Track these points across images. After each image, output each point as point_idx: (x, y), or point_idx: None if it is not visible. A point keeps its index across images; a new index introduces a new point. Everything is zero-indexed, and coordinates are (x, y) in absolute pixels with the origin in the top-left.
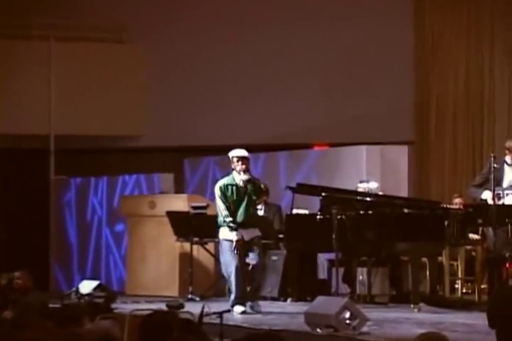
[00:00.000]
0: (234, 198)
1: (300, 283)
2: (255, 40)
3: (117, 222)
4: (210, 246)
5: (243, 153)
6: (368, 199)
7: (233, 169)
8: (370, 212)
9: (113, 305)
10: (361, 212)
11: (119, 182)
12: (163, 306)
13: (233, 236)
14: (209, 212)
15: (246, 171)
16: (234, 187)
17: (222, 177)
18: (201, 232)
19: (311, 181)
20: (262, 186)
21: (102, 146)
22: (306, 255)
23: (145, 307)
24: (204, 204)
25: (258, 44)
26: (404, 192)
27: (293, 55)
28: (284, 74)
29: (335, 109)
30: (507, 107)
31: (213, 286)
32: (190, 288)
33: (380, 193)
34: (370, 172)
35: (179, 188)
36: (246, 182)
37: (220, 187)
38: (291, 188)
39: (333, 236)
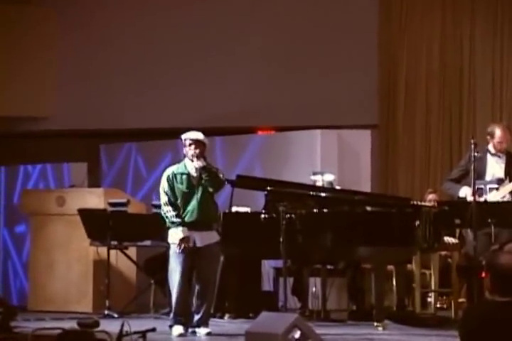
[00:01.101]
0: (184, 189)
1: (240, 296)
2: (187, 8)
3: (18, 221)
4: (132, 251)
5: (198, 135)
6: (323, 194)
7: (185, 155)
8: (325, 210)
9: (12, 324)
10: (315, 211)
11: (20, 173)
12: (74, 324)
13: (178, 233)
14: (130, 209)
15: (200, 157)
16: (185, 177)
17: (171, 165)
18: (121, 234)
19: (253, 172)
20: (221, 175)
21: None
22: (248, 262)
23: (52, 325)
24: (124, 200)
25: (189, 12)
26: (366, 186)
27: (232, 25)
28: (220, 48)
29: (283, 87)
30: (490, 86)
31: (135, 300)
32: (107, 303)
33: (338, 187)
34: (325, 162)
35: (94, 181)
36: (201, 170)
37: (168, 177)
38: (229, 181)
39: (281, 239)
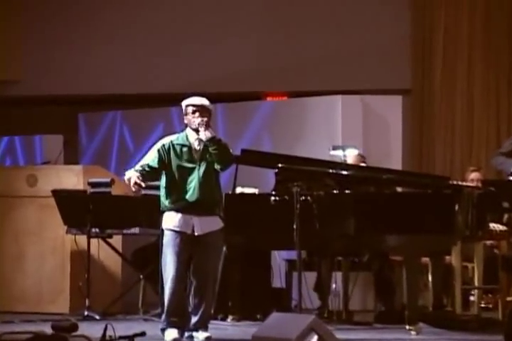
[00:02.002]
0: (184, 164)
1: (246, 294)
2: None
3: None
4: (117, 240)
5: (202, 100)
6: (345, 172)
7: (186, 125)
8: (347, 191)
9: None
10: (335, 192)
11: None
12: (47, 328)
13: (126, 174)
14: (115, 190)
15: (206, 127)
16: (185, 149)
17: (163, 137)
18: (103, 220)
19: (262, 146)
20: (231, 150)
21: None
22: (255, 253)
23: (22, 329)
24: (107, 179)
25: None
26: (396, 163)
27: None
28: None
29: (296, 45)
30: None
31: (120, 299)
32: (87, 302)
33: (362, 164)
34: (347, 134)
35: (71, 156)
36: (208, 141)
37: (163, 146)
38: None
39: (294, 226)
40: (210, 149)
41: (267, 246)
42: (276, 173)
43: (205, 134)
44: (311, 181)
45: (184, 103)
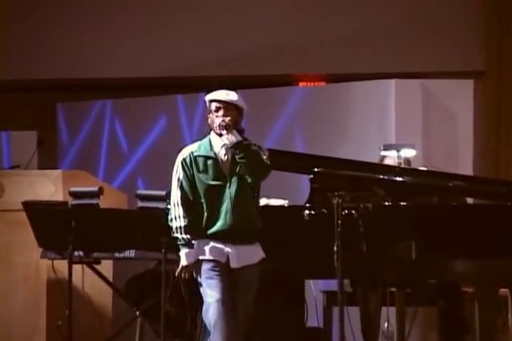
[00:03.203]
0: (210, 181)
1: (273, 336)
2: None
3: None
4: (106, 266)
5: (229, 95)
6: (400, 179)
7: (210, 128)
8: (403, 203)
9: None
10: (387, 204)
11: None
12: None
13: (182, 256)
14: (104, 202)
15: (232, 128)
16: (211, 162)
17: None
18: (89, 241)
19: (292, 146)
20: (265, 156)
21: None
22: (285, 282)
23: None
24: (94, 188)
25: None
26: (466, 166)
27: None
28: None
29: (334, 18)
30: None
31: None
32: None
33: (422, 168)
34: (402, 128)
35: (48, 159)
36: (234, 148)
37: (184, 162)
38: None
39: (335, 247)
40: (237, 158)
41: (300, 273)
42: (311, 180)
43: (228, 138)
44: (357, 190)
45: (207, 98)
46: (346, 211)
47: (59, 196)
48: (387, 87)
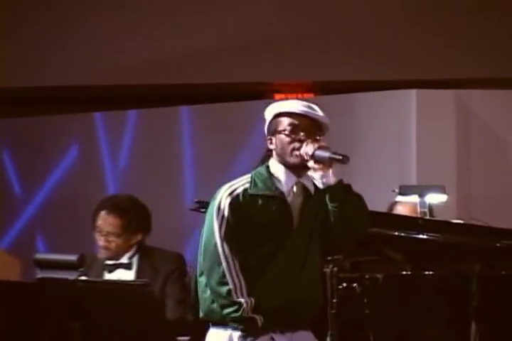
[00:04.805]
0: (268, 236)
1: None
2: None
3: None
4: None
5: (312, 108)
6: (425, 237)
7: (269, 154)
8: (428, 272)
9: None
10: (405, 273)
11: None
12: None
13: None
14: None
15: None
16: (276, 203)
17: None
18: None
19: None
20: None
21: None
22: None
23: None
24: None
25: None
26: None
27: None
28: None
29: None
30: None
31: None
32: None
33: (458, 221)
34: (426, 161)
35: None
36: (328, 191)
37: (234, 203)
38: (198, 203)
39: (328, 338)
40: (331, 206)
41: None
42: None
43: (324, 176)
44: (361, 253)
45: (271, 110)
46: (345, 284)
47: None
48: (405, 99)
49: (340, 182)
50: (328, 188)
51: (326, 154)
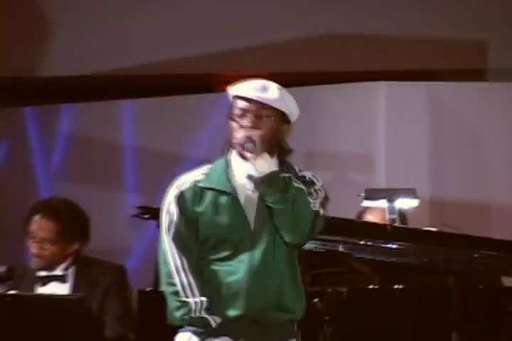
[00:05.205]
0: (224, 233)
1: None
2: None
3: None
4: None
5: (264, 90)
6: (394, 246)
7: (229, 144)
8: (398, 286)
9: None
10: (372, 287)
11: None
12: None
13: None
14: None
15: (262, 147)
16: (226, 200)
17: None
18: None
19: None
20: (317, 200)
21: None
22: None
23: None
24: None
25: None
26: (504, 224)
27: None
28: None
29: None
30: None
31: None
32: None
33: (431, 229)
34: (396, 158)
35: None
36: (265, 184)
37: (179, 197)
38: (141, 209)
39: None
40: (268, 201)
41: None
42: None
43: (256, 166)
44: (322, 265)
45: (230, 91)
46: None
47: None
48: (372, 93)
49: (274, 174)
50: (264, 178)
51: (248, 145)
